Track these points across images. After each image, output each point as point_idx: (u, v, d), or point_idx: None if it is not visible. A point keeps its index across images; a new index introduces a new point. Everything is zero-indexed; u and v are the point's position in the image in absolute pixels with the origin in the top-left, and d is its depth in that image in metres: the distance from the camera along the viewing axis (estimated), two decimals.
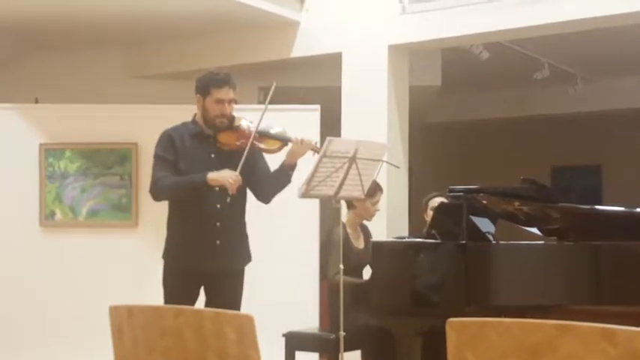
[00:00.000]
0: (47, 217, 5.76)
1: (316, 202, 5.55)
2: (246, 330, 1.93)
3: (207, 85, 3.96)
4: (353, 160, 3.91)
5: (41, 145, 5.77)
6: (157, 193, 3.96)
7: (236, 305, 3.93)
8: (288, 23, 6.26)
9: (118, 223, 5.76)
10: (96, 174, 5.77)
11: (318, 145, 4.01)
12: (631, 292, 3.60)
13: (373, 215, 5.01)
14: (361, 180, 4.01)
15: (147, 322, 2.16)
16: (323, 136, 4.58)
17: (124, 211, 5.74)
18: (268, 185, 4.06)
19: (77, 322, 5.55)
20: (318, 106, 5.82)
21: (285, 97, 6.35)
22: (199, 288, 3.97)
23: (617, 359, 1.59)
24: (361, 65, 6.09)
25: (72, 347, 5.54)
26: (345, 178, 3.95)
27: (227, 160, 3.91)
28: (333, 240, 4.66)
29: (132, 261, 5.60)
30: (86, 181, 5.78)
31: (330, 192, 3.96)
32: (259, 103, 7.06)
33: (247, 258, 4.09)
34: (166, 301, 3.89)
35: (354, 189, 4.03)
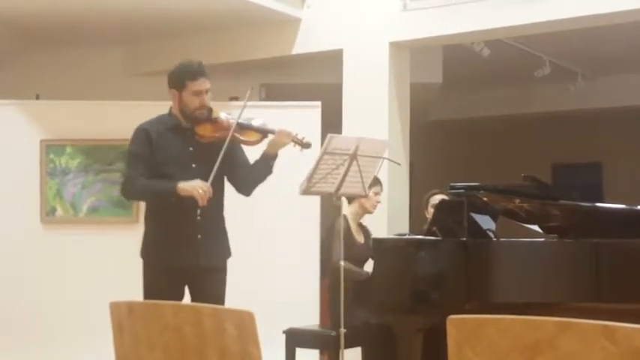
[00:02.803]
0: (48, 214, 5.76)
1: (317, 199, 5.55)
2: (246, 326, 1.94)
3: (181, 78, 3.86)
4: (354, 157, 3.91)
5: (42, 141, 5.77)
6: (126, 193, 3.95)
7: (220, 301, 3.84)
8: (289, 20, 6.26)
9: (118, 220, 5.75)
10: (96, 170, 5.77)
11: (299, 137, 3.95)
12: (631, 290, 3.60)
13: (375, 206, 5.01)
14: (362, 177, 4.01)
15: (147, 318, 2.16)
16: (324, 133, 4.58)
17: (124, 208, 5.74)
18: (249, 177, 3.99)
19: (78, 319, 5.55)
20: (319, 103, 5.82)
21: (286, 93, 6.36)
22: (183, 285, 3.87)
23: (617, 357, 1.59)
24: (362, 62, 6.09)
25: (72, 344, 5.54)
26: (345, 175, 3.95)
27: (206, 152, 3.84)
28: (335, 230, 4.66)
29: (132, 257, 5.56)
30: (87, 177, 5.78)
31: (331, 189, 3.96)
32: (261, 99, 7.06)
33: (227, 253, 4.02)
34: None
35: (354, 186, 4.03)
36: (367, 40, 6.07)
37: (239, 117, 3.88)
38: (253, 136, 3.94)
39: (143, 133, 3.90)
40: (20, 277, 5.66)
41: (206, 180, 3.77)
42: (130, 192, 3.95)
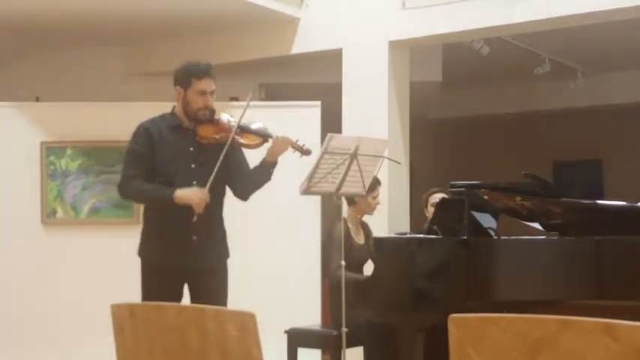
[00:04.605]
0: (49, 216, 5.76)
1: (317, 198, 5.55)
2: (248, 327, 1.93)
3: (188, 76, 3.87)
4: (354, 156, 3.91)
5: (42, 143, 5.77)
6: (123, 193, 3.93)
7: (220, 301, 3.83)
8: (288, 20, 6.26)
9: (119, 221, 5.76)
10: (97, 172, 5.78)
11: (299, 143, 3.95)
12: (632, 287, 3.60)
13: (374, 209, 5.02)
14: (362, 176, 4.01)
15: (149, 320, 2.16)
16: (324, 132, 4.58)
17: (125, 209, 5.74)
18: (248, 182, 3.99)
19: (78, 320, 5.56)
20: (318, 103, 5.82)
21: (285, 93, 6.36)
22: (181, 286, 3.87)
23: (618, 354, 1.59)
24: (362, 61, 6.08)
25: (73, 345, 5.54)
26: (346, 174, 3.95)
27: (206, 153, 3.84)
28: (333, 236, 4.67)
29: (133, 259, 5.57)
30: (87, 179, 5.78)
31: (332, 188, 3.96)
32: (260, 99, 7.06)
33: (225, 254, 4.00)
34: (145, 301, 3.76)
35: (355, 185, 4.03)
36: (366, 39, 6.07)
37: (240, 119, 3.87)
38: (254, 140, 3.94)
39: (144, 131, 3.90)
40: (21, 279, 5.67)
41: (204, 181, 3.76)
42: (125, 192, 3.93)
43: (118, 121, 5.76)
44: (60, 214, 5.77)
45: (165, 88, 6.94)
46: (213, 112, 3.90)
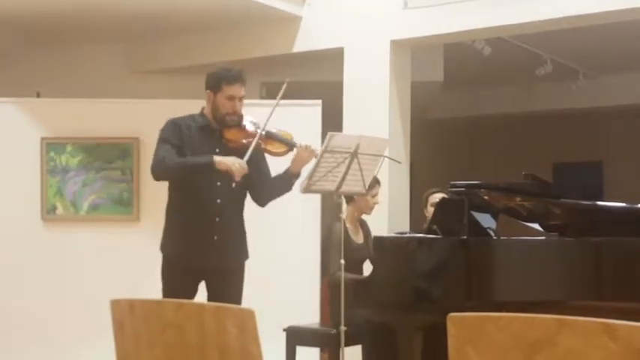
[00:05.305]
0: (48, 212, 5.76)
1: (318, 197, 5.55)
2: (247, 324, 1.94)
3: (218, 81, 3.91)
4: (354, 155, 3.91)
5: (43, 139, 5.77)
6: (160, 171, 3.86)
7: (235, 301, 3.91)
8: (290, 18, 6.26)
9: (119, 218, 5.76)
10: (97, 168, 5.77)
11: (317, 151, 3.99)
12: (632, 288, 3.60)
13: (372, 208, 5.01)
14: (362, 175, 4.01)
15: (148, 316, 2.17)
16: (324, 131, 4.58)
17: (125, 206, 5.74)
18: (268, 189, 4.06)
19: (78, 317, 5.56)
20: (319, 101, 5.81)
21: (286, 92, 6.34)
22: (198, 283, 3.96)
23: (617, 354, 1.59)
24: (363, 60, 6.08)
25: (73, 341, 5.54)
26: (346, 173, 3.95)
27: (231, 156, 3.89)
28: (332, 237, 4.66)
29: (133, 255, 5.60)
30: (87, 175, 5.77)
31: (332, 187, 3.96)
32: (261, 98, 7.06)
33: (245, 255, 4.08)
34: (165, 296, 3.88)
35: (355, 184, 4.03)
36: (368, 39, 6.07)
37: (266, 122, 3.90)
38: (278, 148, 3.98)
39: (174, 125, 3.94)
40: (21, 275, 5.66)
41: (228, 184, 3.84)
42: (163, 169, 3.84)
43: (119, 117, 5.78)
44: (60, 210, 5.77)
45: (166, 85, 7.00)
46: (241, 117, 3.95)
